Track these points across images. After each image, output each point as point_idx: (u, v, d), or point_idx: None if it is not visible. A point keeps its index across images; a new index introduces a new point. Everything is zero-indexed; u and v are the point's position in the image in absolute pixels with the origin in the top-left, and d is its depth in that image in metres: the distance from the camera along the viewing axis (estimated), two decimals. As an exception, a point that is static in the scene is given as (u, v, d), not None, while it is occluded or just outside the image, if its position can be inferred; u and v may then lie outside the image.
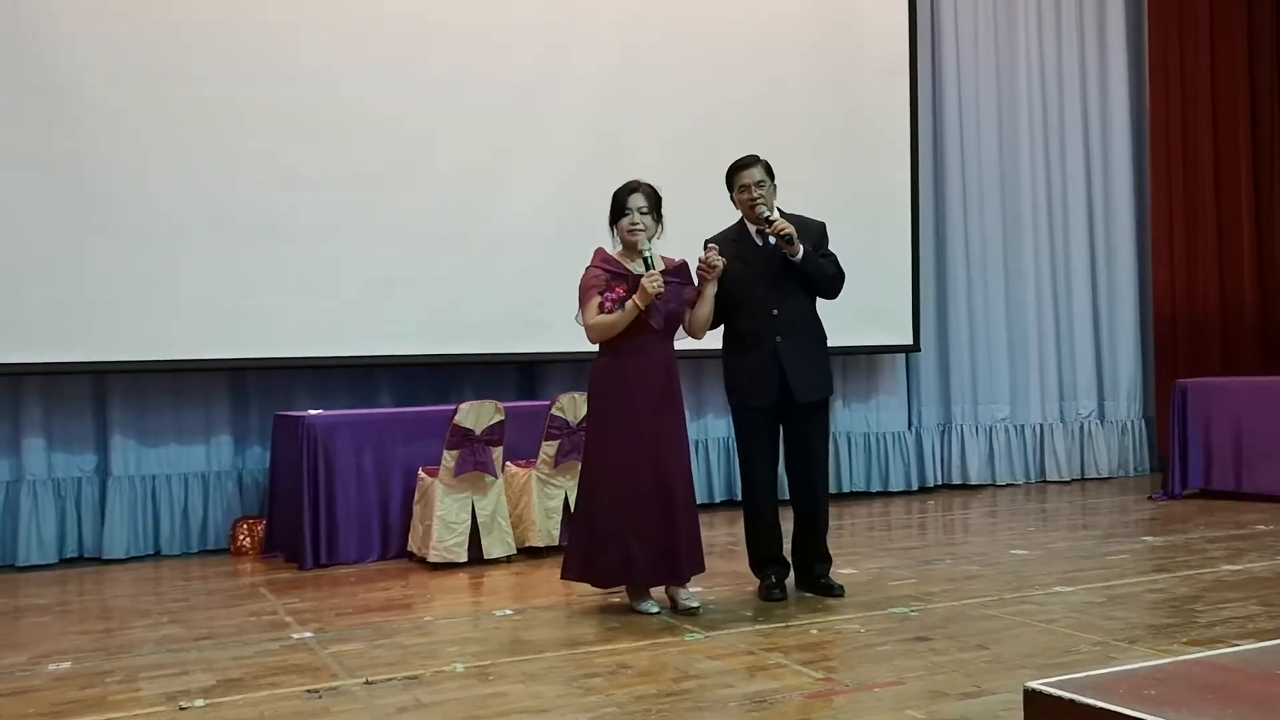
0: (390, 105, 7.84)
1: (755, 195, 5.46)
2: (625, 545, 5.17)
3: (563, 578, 5.44)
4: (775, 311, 5.49)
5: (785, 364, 5.47)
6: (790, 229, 5.37)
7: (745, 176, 5.50)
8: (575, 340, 7.91)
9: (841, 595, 5.53)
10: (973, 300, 10.17)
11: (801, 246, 5.41)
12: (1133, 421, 10.80)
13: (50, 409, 7.39)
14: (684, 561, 5.26)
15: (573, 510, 7.04)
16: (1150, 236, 10.85)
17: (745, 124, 8.59)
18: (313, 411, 7.23)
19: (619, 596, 5.51)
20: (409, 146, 7.88)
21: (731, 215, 5.68)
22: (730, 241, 5.53)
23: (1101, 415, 10.70)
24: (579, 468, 7.06)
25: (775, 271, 5.50)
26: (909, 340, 9.69)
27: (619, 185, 5.31)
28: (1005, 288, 10.29)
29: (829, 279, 5.58)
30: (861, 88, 9.41)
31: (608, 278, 5.20)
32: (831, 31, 9.32)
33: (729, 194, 5.61)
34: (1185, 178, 10.75)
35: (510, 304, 8.08)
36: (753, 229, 5.56)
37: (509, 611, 5.48)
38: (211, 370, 7.59)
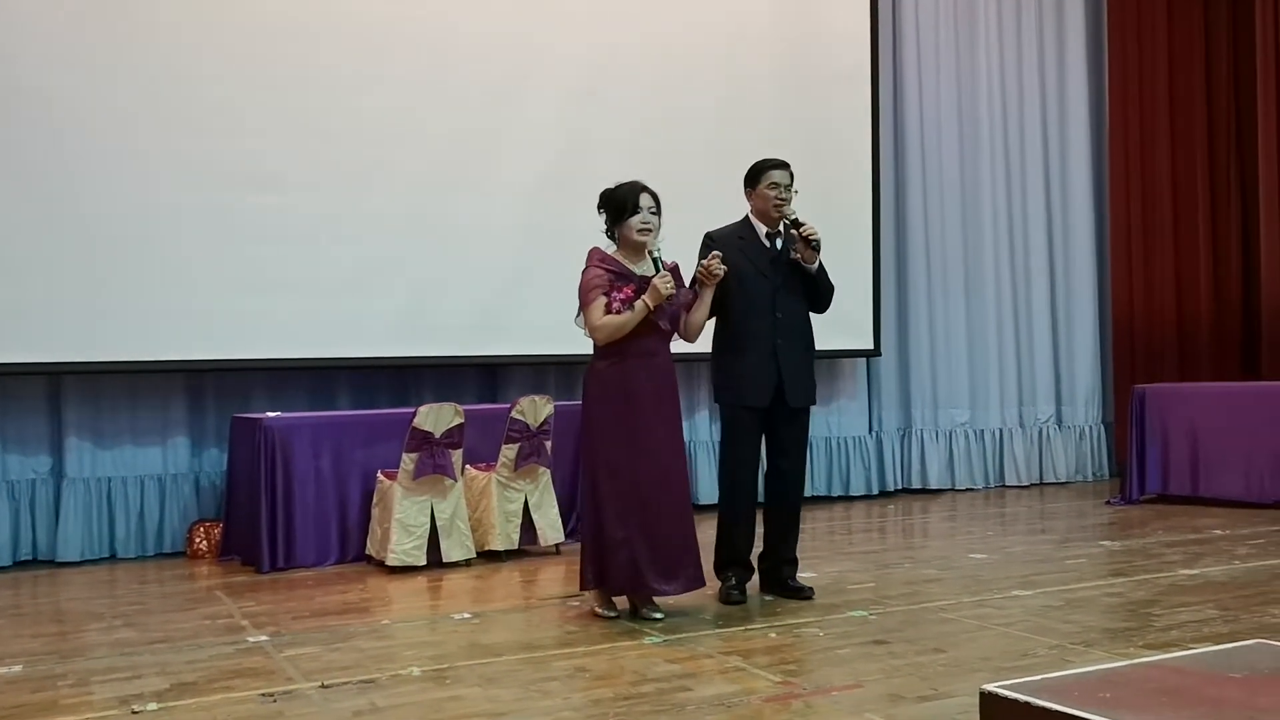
0: (352, 108, 7.79)
1: (785, 196, 5.48)
2: (633, 553, 5.12)
3: (580, 589, 5.38)
4: (778, 314, 5.50)
5: (783, 367, 5.48)
6: (818, 235, 5.41)
7: (778, 176, 5.50)
8: (537, 343, 7.95)
9: (811, 598, 5.54)
10: (933, 305, 10.21)
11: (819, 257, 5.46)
12: (1091, 427, 10.88)
13: (4, 410, 7.29)
14: (696, 565, 5.23)
15: (535, 512, 7.08)
16: (1109, 244, 10.93)
17: (709, 127, 8.62)
18: (271, 414, 7.17)
19: (579, 600, 5.49)
20: (371, 149, 7.83)
21: (707, 218, 5.67)
22: (736, 239, 5.52)
23: (1060, 420, 10.77)
24: (539, 471, 7.09)
25: (781, 275, 5.51)
26: (870, 345, 9.72)
27: (612, 187, 5.25)
28: (965, 293, 10.34)
29: (830, 292, 5.65)
30: (824, 93, 9.43)
31: (611, 278, 5.14)
32: (795, 37, 9.35)
33: (746, 189, 5.60)
34: (1143, 186, 10.84)
35: (471, 306, 8.06)
36: (761, 230, 5.56)
37: (467, 615, 5.45)
38: (168, 371, 7.52)
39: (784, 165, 5.55)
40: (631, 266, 5.19)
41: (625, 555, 5.12)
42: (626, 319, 5.07)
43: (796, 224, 5.42)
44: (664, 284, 5.04)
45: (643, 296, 5.06)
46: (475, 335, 8.07)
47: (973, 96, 10.42)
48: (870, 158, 9.66)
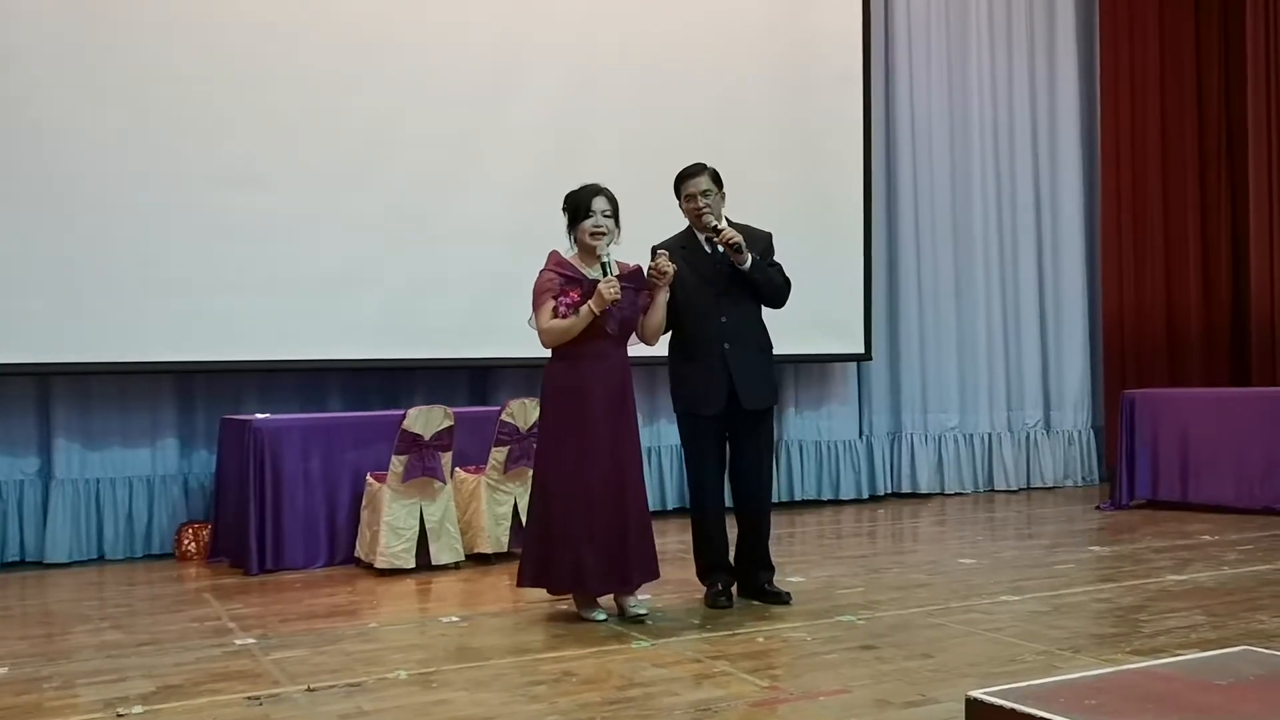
0: (342, 107, 7.78)
1: (701, 205, 5.45)
2: (577, 553, 5.12)
3: (518, 585, 5.39)
4: (723, 319, 5.49)
5: (733, 372, 5.47)
6: (738, 238, 5.38)
7: (691, 186, 5.49)
8: (527, 346, 7.84)
9: (789, 602, 5.52)
10: (923, 309, 10.22)
11: (749, 255, 5.43)
12: (1080, 431, 10.89)
13: (-9, 410, 7.29)
14: (635, 568, 5.24)
15: (525, 515, 7.07)
16: (1099, 249, 10.95)
17: (701, 130, 8.58)
18: (260, 415, 7.15)
19: (567, 604, 5.48)
20: (361, 149, 7.83)
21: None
22: (679, 249, 5.51)
23: (1048, 425, 10.78)
24: (529, 474, 7.06)
25: (724, 279, 5.50)
26: (860, 349, 9.72)
27: (574, 189, 5.27)
28: (956, 297, 10.34)
29: (776, 288, 5.60)
30: (816, 95, 9.43)
31: (562, 282, 5.16)
32: (788, 39, 9.34)
33: (677, 201, 5.60)
34: (1134, 192, 10.85)
35: (462, 308, 8.04)
36: (701, 236, 5.56)
37: (455, 618, 5.44)
38: (157, 373, 7.50)
39: (697, 172, 5.51)
40: (585, 270, 5.20)
41: (568, 555, 5.14)
42: (571, 323, 5.10)
43: (716, 231, 5.40)
44: (608, 289, 5.05)
45: (588, 301, 5.07)
46: (466, 337, 8.06)
47: (964, 100, 10.42)
48: (862, 161, 9.65)
